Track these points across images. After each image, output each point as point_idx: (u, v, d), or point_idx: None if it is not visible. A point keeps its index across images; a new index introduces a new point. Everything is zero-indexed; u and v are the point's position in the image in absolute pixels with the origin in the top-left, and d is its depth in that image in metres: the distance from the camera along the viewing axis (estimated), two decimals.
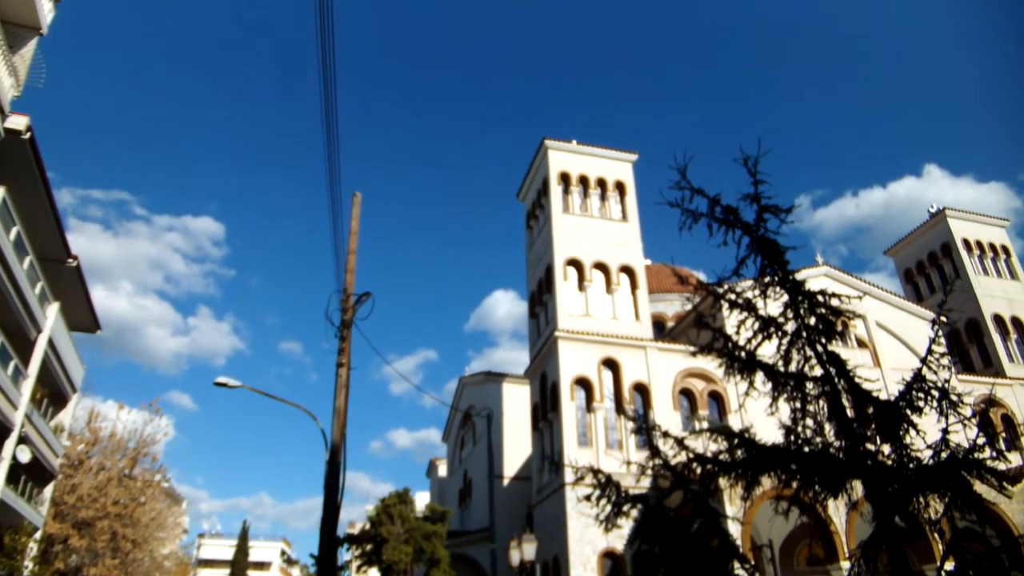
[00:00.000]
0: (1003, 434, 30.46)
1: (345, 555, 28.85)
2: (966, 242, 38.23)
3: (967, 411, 8.94)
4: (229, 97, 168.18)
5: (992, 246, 38.84)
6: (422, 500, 45.44)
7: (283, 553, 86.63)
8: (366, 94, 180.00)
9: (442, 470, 49.48)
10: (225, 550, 78.26)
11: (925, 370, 8.95)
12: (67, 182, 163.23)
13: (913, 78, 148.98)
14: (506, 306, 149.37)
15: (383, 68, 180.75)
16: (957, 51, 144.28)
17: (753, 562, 8.07)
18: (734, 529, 19.93)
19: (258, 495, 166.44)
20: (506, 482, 35.27)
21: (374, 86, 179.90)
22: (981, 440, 8.54)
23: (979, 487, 8.78)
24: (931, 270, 39.82)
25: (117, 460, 28.30)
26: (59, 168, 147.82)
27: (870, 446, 8.48)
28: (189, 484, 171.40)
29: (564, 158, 33.14)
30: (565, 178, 32.59)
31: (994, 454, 8.84)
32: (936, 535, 8.99)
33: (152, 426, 30.13)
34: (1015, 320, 36.34)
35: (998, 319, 36.06)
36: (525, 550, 20.50)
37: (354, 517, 78.99)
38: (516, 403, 36.65)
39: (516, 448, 35.92)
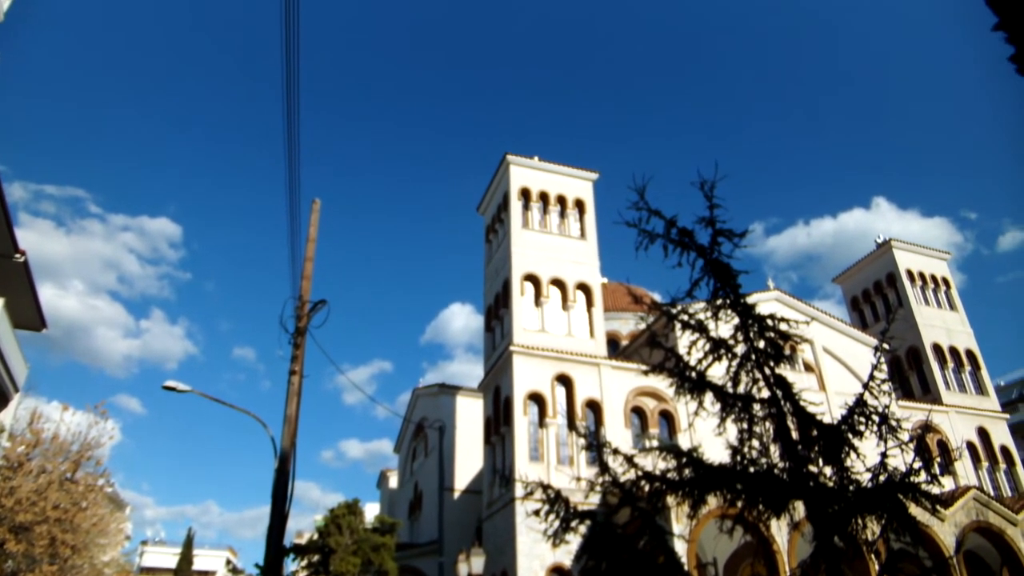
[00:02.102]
0: (938, 459, 31.49)
1: (291, 565, 28.25)
2: (909, 273, 39.59)
3: (905, 436, 9.26)
4: (190, 97, 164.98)
5: (934, 277, 40.30)
6: (372, 511, 44.79)
7: (228, 562, 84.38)
8: (329, 100, 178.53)
9: (393, 481, 48.91)
10: (169, 558, 76.03)
11: (867, 395, 9.27)
12: (19, 176, 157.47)
13: (865, 113, 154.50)
14: (463, 319, 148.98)
15: (347, 76, 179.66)
16: (908, 89, 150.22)
17: None
18: (680, 547, 20.16)
19: (205, 503, 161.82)
20: (457, 495, 35.05)
21: (337, 93, 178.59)
22: (917, 465, 8.86)
23: (914, 510, 9.10)
24: (876, 298, 41.10)
25: (59, 463, 27.23)
26: (11, 162, 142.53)
27: (813, 468, 8.72)
28: (134, 490, 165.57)
29: (525, 174, 33.35)
30: (526, 193, 32.80)
31: (929, 478, 9.18)
32: (873, 556, 9.27)
33: (97, 429, 29.04)
34: (953, 350, 37.70)
35: (937, 348, 37.37)
36: (473, 564, 20.40)
37: (303, 527, 77.32)
38: (469, 416, 36.50)
39: (468, 461, 35.74)
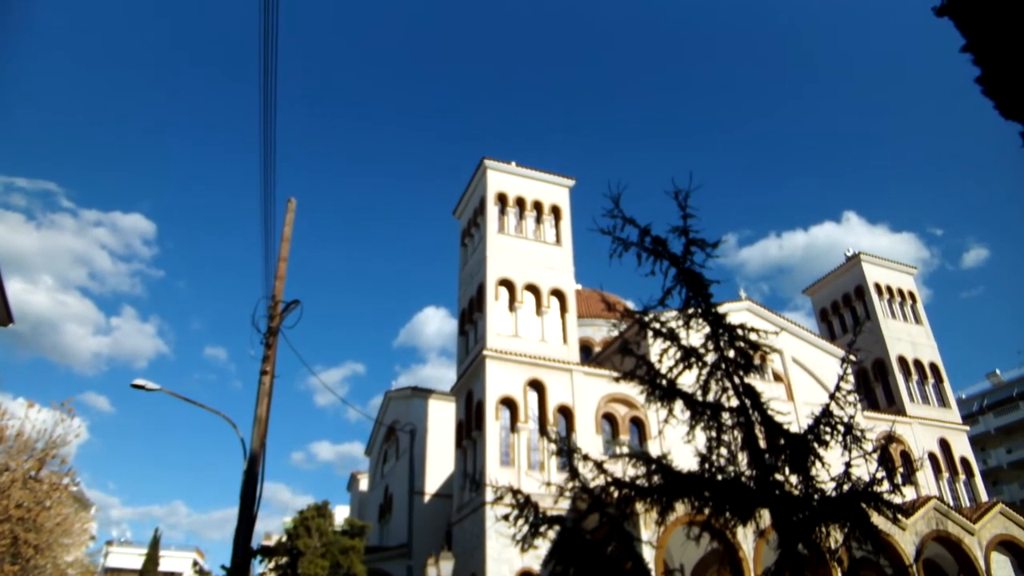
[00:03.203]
0: (901, 469, 32.10)
1: (259, 567, 27.90)
2: (877, 286, 40.35)
3: (869, 446, 9.46)
4: (165, 93, 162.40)
5: (900, 291, 41.13)
6: (342, 514, 44.46)
7: (195, 564, 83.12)
8: (306, 100, 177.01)
9: (363, 484, 48.56)
10: (134, 559, 74.67)
11: (833, 405, 9.44)
12: None
13: (838, 128, 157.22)
14: (436, 323, 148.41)
15: (324, 76, 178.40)
16: (879, 106, 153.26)
17: None
18: (648, 553, 20.31)
19: (173, 503, 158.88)
20: (427, 499, 34.91)
21: (315, 93, 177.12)
22: (880, 474, 9.05)
23: (876, 519, 9.28)
24: (844, 311, 41.81)
25: (23, 461, 26.62)
26: None
27: (779, 476, 8.86)
28: (100, 489, 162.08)
29: (502, 179, 33.42)
30: (502, 198, 32.87)
31: (891, 488, 9.37)
32: (836, 563, 9.43)
33: (63, 427, 28.45)
34: (917, 363, 38.50)
35: (902, 361, 38.13)
36: (442, 567, 20.36)
37: (272, 529, 76.29)
38: (441, 420, 36.40)
39: (439, 465, 35.63)
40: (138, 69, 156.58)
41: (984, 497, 34.68)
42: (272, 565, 25.85)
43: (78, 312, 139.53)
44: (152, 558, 68.55)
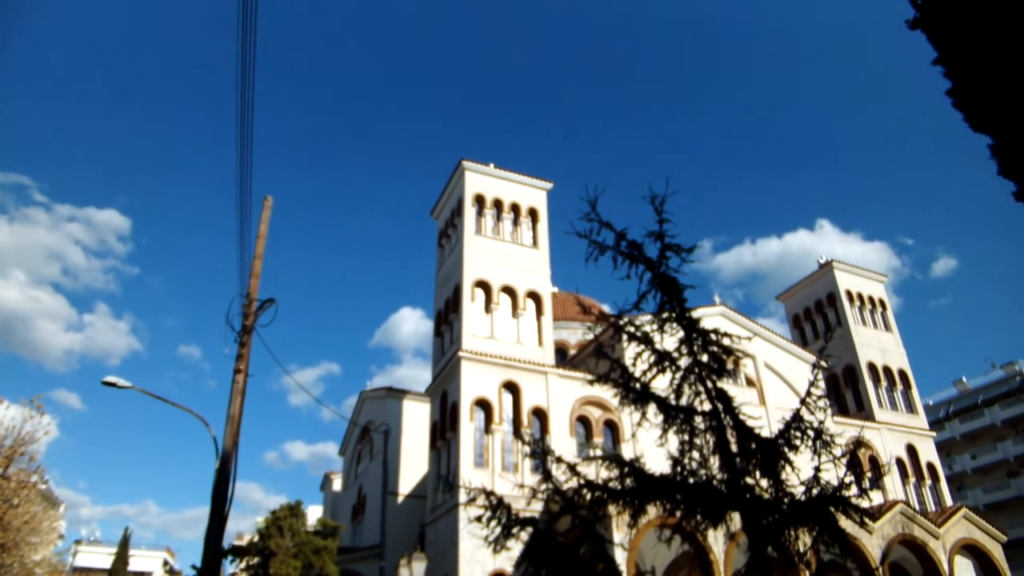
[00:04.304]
0: (869, 474, 32.59)
1: (230, 568, 27.54)
2: (849, 294, 40.95)
3: (838, 451, 9.60)
4: (142, 87, 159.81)
5: (871, 299, 41.78)
6: (315, 514, 43.98)
7: (165, 563, 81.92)
8: (284, 98, 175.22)
9: (337, 484, 48.21)
10: (103, 558, 73.43)
11: (804, 410, 9.56)
12: None
13: (813, 137, 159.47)
14: (412, 324, 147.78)
15: (302, 75, 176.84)
16: (852, 115, 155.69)
17: None
18: (620, 555, 20.39)
19: (144, 502, 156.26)
20: (401, 499, 34.74)
21: (293, 91, 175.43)
22: (849, 479, 9.18)
23: (844, 522, 9.42)
24: (816, 317, 42.37)
25: None
26: None
27: (750, 480, 8.95)
28: (70, 488, 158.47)
29: (481, 180, 33.40)
30: (480, 200, 32.85)
31: (859, 492, 9.52)
32: (804, 566, 9.55)
33: (32, 424, 27.89)
34: (886, 369, 39.14)
35: (872, 367, 38.74)
36: (415, 568, 20.29)
37: (244, 529, 75.41)
38: (416, 420, 36.26)
39: (413, 466, 35.47)
40: (114, 63, 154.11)
41: (949, 502, 35.36)
42: (243, 565, 25.55)
43: (50, 308, 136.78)
44: (121, 557, 67.54)
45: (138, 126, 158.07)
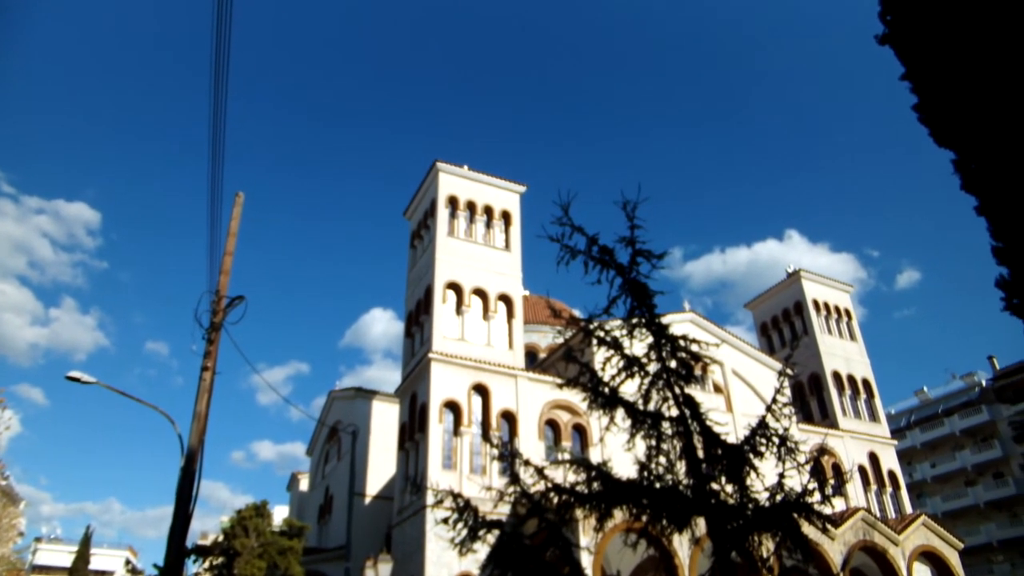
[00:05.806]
0: (832, 481, 33.15)
1: (193, 567, 27.06)
2: (815, 303, 41.61)
3: (802, 458, 9.73)
4: (114, 81, 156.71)
5: (837, 309, 42.49)
6: (281, 514, 43.47)
7: (128, 562, 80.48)
8: (257, 96, 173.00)
9: (304, 484, 47.67)
10: (64, 556, 72.10)
11: (769, 417, 9.67)
12: None
13: (783, 147, 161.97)
14: (383, 325, 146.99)
15: (275, 72, 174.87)
16: (822, 128, 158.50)
17: None
18: (586, 559, 20.46)
19: (107, 500, 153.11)
20: (368, 500, 34.45)
21: (266, 89, 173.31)
22: (812, 486, 9.32)
23: (807, 528, 9.55)
24: (784, 325, 42.96)
25: None
26: None
27: (715, 485, 9.03)
28: (31, 484, 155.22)
29: (454, 182, 33.32)
30: (453, 202, 32.77)
31: (822, 499, 9.66)
32: (767, 571, 9.66)
33: None
34: (850, 378, 39.83)
35: (836, 376, 39.39)
36: (380, 570, 20.12)
37: (208, 528, 74.22)
38: (384, 421, 35.99)
39: (381, 467, 35.20)
40: (86, 56, 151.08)
41: (909, 509, 36.07)
42: (207, 565, 25.17)
43: (15, 301, 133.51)
44: (83, 556, 66.32)
45: (110, 119, 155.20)
